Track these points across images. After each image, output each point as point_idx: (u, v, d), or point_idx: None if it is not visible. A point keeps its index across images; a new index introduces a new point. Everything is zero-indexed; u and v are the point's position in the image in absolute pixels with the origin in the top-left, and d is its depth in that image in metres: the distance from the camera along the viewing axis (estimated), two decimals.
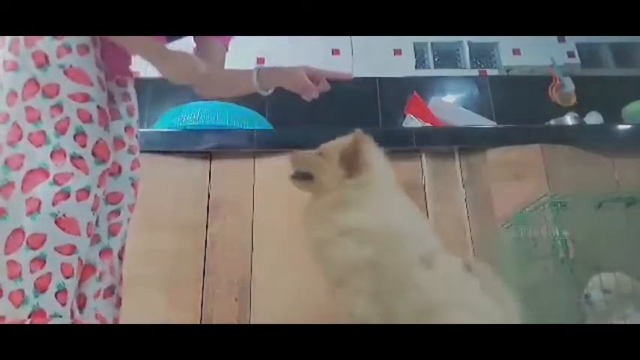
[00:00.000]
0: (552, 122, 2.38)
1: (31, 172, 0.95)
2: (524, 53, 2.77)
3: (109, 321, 1.15)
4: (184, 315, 1.66)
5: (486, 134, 2.02)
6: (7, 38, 1.03)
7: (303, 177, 1.21)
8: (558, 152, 1.91)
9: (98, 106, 1.04)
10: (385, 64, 2.72)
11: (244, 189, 1.85)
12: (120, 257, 1.20)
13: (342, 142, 1.18)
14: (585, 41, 2.81)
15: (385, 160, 1.22)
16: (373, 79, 2.65)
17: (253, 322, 1.67)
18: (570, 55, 2.78)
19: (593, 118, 2.45)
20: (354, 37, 2.76)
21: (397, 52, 2.78)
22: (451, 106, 2.54)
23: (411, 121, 2.23)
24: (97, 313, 1.12)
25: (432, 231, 1.13)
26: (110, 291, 1.17)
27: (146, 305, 1.60)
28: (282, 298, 1.70)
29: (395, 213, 1.11)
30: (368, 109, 2.59)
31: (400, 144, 1.97)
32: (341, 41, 2.76)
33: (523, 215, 1.49)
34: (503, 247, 1.58)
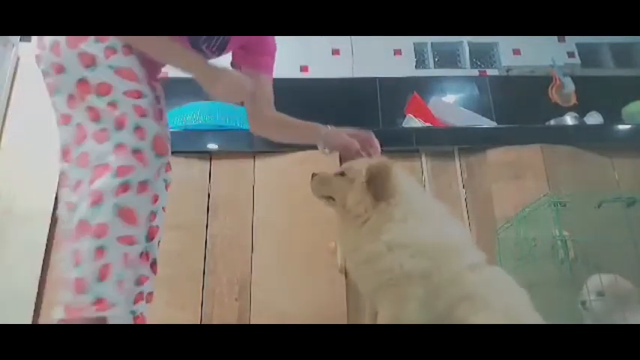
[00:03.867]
0: (552, 122, 2.38)
1: (96, 167, 0.98)
2: (524, 53, 2.77)
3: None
4: (184, 315, 1.66)
5: (486, 134, 2.03)
6: (47, 39, 1.05)
7: (326, 199, 1.23)
8: (558, 152, 1.91)
9: (151, 103, 1.06)
10: (385, 64, 2.72)
11: (244, 189, 1.85)
12: (152, 266, 1.21)
13: (367, 165, 1.14)
14: (585, 41, 2.81)
15: (413, 180, 1.23)
16: (373, 79, 2.66)
17: (253, 322, 1.67)
18: (570, 55, 2.78)
19: (593, 118, 2.45)
20: (354, 37, 2.76)
21: (397, 52, 2.78)
22: (451, 106, 2.54)
23: (411, 121, 2.23)
24: (137, 317, 1.14)
25: (474, 242, 1.14)
26: (150, 296, 1.20)
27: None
28: (282, 298, 1.71)
29: (438, 226, 1.11)
30: (368, 109, 2.59)
31: (400, 144, 1.97)
32: (341, 41, 2.76)
33: (523, 215, 1.49)
34: (503, 247, 1.58)
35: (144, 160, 1.00)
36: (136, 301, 1.13)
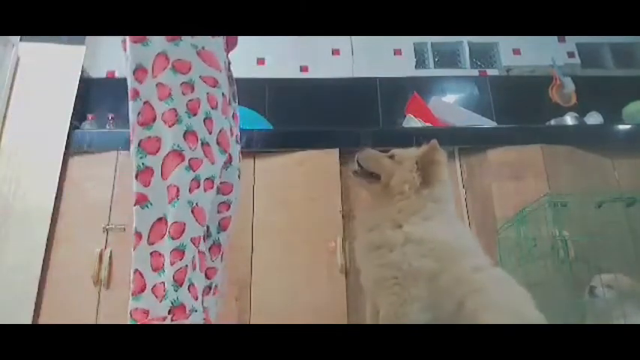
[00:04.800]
0: (552, 122, 2.38)
1: (167, 155, 0.89)
2: (524, 53, 2.77)
3: (213, 320, 1.10)
4: None
5: (486, 134, 2.03)
6: None
7: (368, 176, 1.21)
8: (558, 152, 1.91)
9: (223, 94, 1.00)
10: (385, 64, 2.72)
11: (244, 189, 1.85)
12: (223, 255, 1.15)
13: (417, 150, 1.20)
14: (585, 41, 2.81)
15: (454, 173, 1.25)
16: (373, 79, 2.66)
17: (253, 322, 1.67)
18: (570, 55, 2.78)
19: (593, 118, 2.45)
20: (354, 37, 2.76)
21: (397, 52, 2.78)
22: (451, 106, 2.54)
23: (411, 121, 2.23)
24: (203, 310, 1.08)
25: (480, 248, 1.16)
26: (217, 289, 1.12)
27: None
28: (282, 298, 1.71)
29: (456, 230, 1.14)
30: (368, 109, 2.60)
31: (400, 144, 1.97)
32: (341, 41, 2.76)
33: (523, 215, 1.49)
34: (503, 247, 1.58)
35: (210, 155, 0.93)
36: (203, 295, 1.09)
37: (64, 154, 1.84)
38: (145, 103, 0.92)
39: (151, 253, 0.87)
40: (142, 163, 0.90)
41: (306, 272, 1.74)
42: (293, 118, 2.39)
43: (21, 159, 1.82)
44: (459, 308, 1.01)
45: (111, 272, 1.71)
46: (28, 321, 1.62)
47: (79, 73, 2.01)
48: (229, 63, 1.23)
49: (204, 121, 0.93)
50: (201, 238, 0.92)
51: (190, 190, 0.89)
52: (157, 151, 0.90)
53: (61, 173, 1.81)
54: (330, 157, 1.89)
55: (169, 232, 0.87)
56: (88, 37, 2.38)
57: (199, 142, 0.91)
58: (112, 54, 2.57)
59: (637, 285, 1.32)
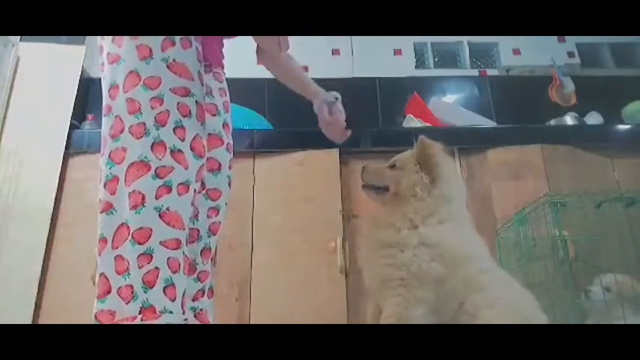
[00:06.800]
0: (552, 122, 2.38)
1: (132, 164, 0.93)
2: (524, 53, 2.78)
3: (211, 322, 1.15)
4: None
5: (486, 134, 2.03)
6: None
7: (377, 189, 1.23)
8: (558, 152, 1.91)
9: (197, 101, 1.03)
10: (385, 64, 2.72)
11: (244, 189, 1.85)
12: (213, 259, 1.20)
13: (413, 151, 1.22)
14: (585, 41, 2.81)
15: (455, 168, 1.25)
16: (373, 79, 2.66)
17: (253, 322, 1.67)
18: (570, 55, 2.78)
19: (593, 118, 2.45)
20: (354, 37, 2.76)
21: (397, 52, 2.78)
22: (451, 106, 2.54)
23: (411, 121, 2.23)
24: (199, 312, 1.12)
25: (487, 251, 1.16)
26: (211, 291, 1.17)
27: None
28: (282, 298, 1.71)
29: (465, 234, 1.14)
30: (368, 109, 2.60)
31: (400, 144, 1.96)
32: (341, 41, 2.76)
33: (523, 215, 1.49)
34: (503, 247, 1.58)
35: (183, 161, 0.96)
36: (196, 299, 1.12)
37: (64, 154, 1.84)
38: (115, 117, 0.97)
39: (115, 257, 0.90)
40: (110, 173, 0.94)
41: (306, 272, 1.75)
42: (293, 118, 2.38)
43: (21, 159, 1.82)
44: (461, 307, 1.01)
45: None
46: (28, 321, 1.62)
47: (79, 73, 2.01)
48: (221, 74, 1.28)
49: (174, 130, 0.97)
50: (179, 240, 0.94)
51: (157, 197, 0.92)
52: (122, 161, 0.94)
53: (61, 173, 1.81)
54: (330, 157, 1.89)
55: (134, 237, 0.90)
56: (88, 37, 2.38)
57: (168, 150, 0.95)
58: None
59: (638, 286, 1.32)
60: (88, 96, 2.41)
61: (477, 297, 1.01)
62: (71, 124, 1.90)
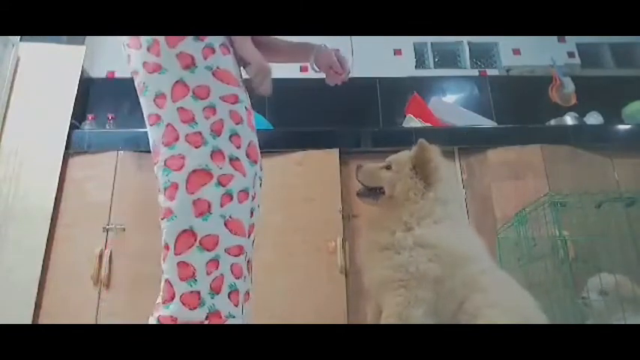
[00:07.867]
0: (552, 122, 2.38)
1: (194, 172, 0.94)
2: (524, 53, 2.77)
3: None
4: None
5: (486, 134, 2.03)
6: (143, 39, 1.01)
7: (372, 193, 1.24)
8: (558, 152, 1.91)
9: (246, 107, 1.04)
10: (385, 64, 2.72)
11: None
12: (249, 264, 1.20)
13: (410, 152, 1.22)
14: (585, 41, 2.81)
15: (454, 170, 1.25)
16: (373, 79, 2.66)
17: (253, 322, 1.67)
18: (570, 55, 2.78)
19: (593, 118, 2.45)
20: (354, 37, 2.76)
21: (397, 52, 2.78)
22: (451, 106, 2.54)
23: (411, 121, 2.23)
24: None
25: (486, 251, 1.17)
26: (248, 295, 1.16)
27: (146, 305, 1.60)
28: (282, 299, 1.71)
29: (463, 234, 1.15)
30: (368, 109, 2.60)
31: (400, 144, 1.96)
32: (341, 41, 2.75)
33: (523, 215, 1.49)
34: (503, 247, 1.58)
35: (241, 168, 0.98)
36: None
37: (64, 154, 1.84)
38: (167, 125, 0.98)
39: (178, 264, 0.91)
40: (168, 180, 0.95)
41: (306, 272, 1.74)
42: (293, 118, 2.39)
43: (21, 159, 1.82)
44: (460, 307, 1.02)
45: (111, 272, 1.71)
46: (28, 321, 1.62)
47: (79, 73, 2.01)
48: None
49: (229, 138, 0.98)
50: (242, 247, 0.96)
51: (222, 205, 0.94)
52: (181, 168, 0.95)
53: (61, 173, 1.81)
54: (330, 157, 1.89)
55: (202, 243, 0.91)
56: (88, 37, 2.38)
57: (227, 159, 0.97)
58: (112, 54, 2.56)
59: (637, 288, 1.31)
60: (88, 96, 2.41)
61: (477, 297, 1.01)
62: (71, 124, 1.90)
